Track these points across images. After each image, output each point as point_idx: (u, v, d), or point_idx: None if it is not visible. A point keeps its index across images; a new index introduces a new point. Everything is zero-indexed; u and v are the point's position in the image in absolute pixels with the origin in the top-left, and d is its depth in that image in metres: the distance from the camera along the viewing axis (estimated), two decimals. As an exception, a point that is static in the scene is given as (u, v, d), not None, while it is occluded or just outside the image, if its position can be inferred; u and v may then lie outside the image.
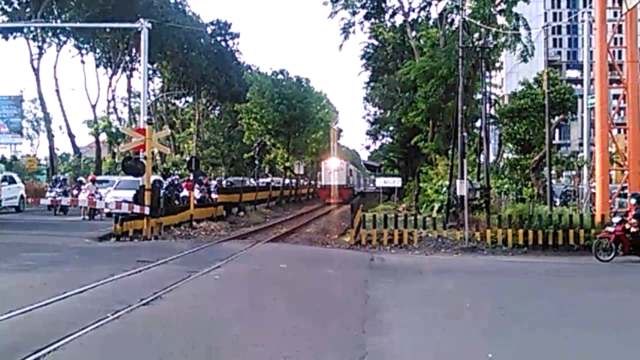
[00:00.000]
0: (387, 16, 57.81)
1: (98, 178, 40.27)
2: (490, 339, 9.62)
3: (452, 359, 8.79)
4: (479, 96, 36.86)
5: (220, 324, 10.40)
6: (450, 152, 32.17)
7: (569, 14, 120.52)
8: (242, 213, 38.89)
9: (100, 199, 32.59)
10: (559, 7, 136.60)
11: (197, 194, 32.49)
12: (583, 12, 39.35)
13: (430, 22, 52.68)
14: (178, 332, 9.73)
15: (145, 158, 26.02)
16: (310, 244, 23.52)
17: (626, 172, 26.23)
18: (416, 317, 11.28)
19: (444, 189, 31.11)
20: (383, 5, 56.24)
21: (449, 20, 48.14)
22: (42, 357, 8.04)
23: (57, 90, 63.49)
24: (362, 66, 71.58)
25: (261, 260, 18.81)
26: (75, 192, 36.88)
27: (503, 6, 40.67)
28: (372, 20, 58.42)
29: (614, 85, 27.64)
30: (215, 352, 8.78)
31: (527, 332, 10.09)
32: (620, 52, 29.25)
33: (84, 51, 67.86)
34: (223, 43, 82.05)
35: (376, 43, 66.08)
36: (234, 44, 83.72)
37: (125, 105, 76.77)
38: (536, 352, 9.03)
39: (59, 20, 60.90)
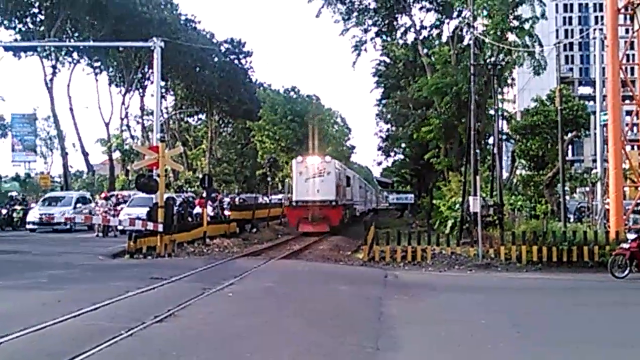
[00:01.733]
0: (398, 34, 58.07)
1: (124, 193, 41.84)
2: (505, 356, 9.56)
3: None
4: (492, 112, 36.80)
5: (234, 341, 10.37)
6: (463, 168, 32.13)
7: (581, 31, 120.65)
8: (254, 230, 38.86)
9: (113, 216, 32.75)
10: (570, 24, 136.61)
11: (210, 211, 32.48)
12: (595, 29, 39.27)
13: (442, 40, 52.81)
14: (192, 349, 9.72)
15: (158, 175, 26.12)
16: (324, 261, 23.43)
17: (640, 188, 26.09)
18: (430, 334, 11.23)
19: (457, 205, 31.02)
20: (395, 23, 56.51)
21: (461, 37, 48.26)
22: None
23: (71, 109, 64.28)
24: (374, 83, 71.88)
25: (275, 277, 18.78)
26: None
27: (516, 23, 40.72)
28: (384, 37, 58.66)
29: (627, 101, 27.59)
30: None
31: (542, 350, 10.01)
32: (632, 68, 29.27)
33: (97, 70, 68.41)
34: (236, 61, 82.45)
35: (387, 60, 66.26)
36: (246, 62, 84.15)
37: (138, 123, 77.45)
38: None
39: (72, 39, 61.48)
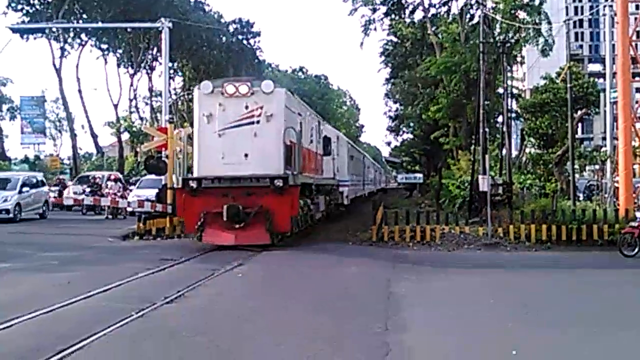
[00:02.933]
0: (407, 12, 57.73)
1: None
2: (514, 336, 9.54)
3: (476, 356, 8.73)
4: (501, 91, 36.69)
5: (243, 322, 10.39)
6: (472, 147, 32.08)
7: (591, 7, 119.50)
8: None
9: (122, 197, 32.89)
10: (580, 0, 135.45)
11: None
12: (604, 6, 38.97)
13: (450, 18, 52.55)
14: (202, 330, 9.76)
15: (167, 157, 26.16)
16: (332, 241, 23.44)
17: (650, 166, 26.00)
18: (439, 313, 11.22)
19: (466, 184, 31.01)
20: (403, 1, 56.18)
21: (469, 15, 48.03)
22: (66, 357, 8.09)
23: (80, 91, 64.25)
24: (381, 63, 71.68)
25: (283, 257, 18.80)
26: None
27: (526, 0, 40.50)
28: (392, 16, 58.38)
29: (637, 78, 27.44)
30: (238, 350, 8.80)
31: (552, 329, 9.98)
32: (643, 45, 28.96)
33: (105, 51, 68.34)
34: (244, 42, 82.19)
35: (395, 40, 66.01)
36: (255, 42, 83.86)
37: (146, 104, 77.28)
38: (561, 349, 8.95)
39: (80, 21, 61.39)
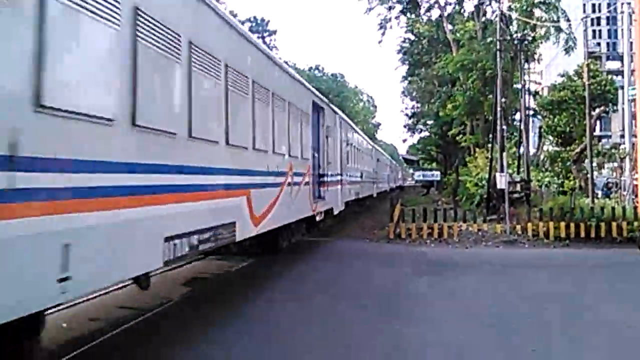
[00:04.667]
0: (422, 10, 57.67)
1: None
2: (533, 333, 9.53)
3: (495, 353, 8.73)
4: (519, 87, 36.62)
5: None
6: (489, 145, 32.01)
7: (608, 4, 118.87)
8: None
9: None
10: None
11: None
12: (622, 3, 38.81)
13: (466, 15, 52.45)
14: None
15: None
16: (349, 239, 23.46)
17: (669, 164, 25.87)
18: (457, 310, 11.23)
19: (484, 182, 30.95)
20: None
21: (486, 12, 47.96)
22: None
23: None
24: (398, 60, 71.56)
25: (301, 256, 18.86)
26: None
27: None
28: (408, 14, 58.34)
29: (656, 75, 27.29)
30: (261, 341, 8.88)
31: (572, 328, 9.97)
32: (662, 41, 28.80)
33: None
34: (260, 40, 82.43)
35: (412, 37, 65.96)
36: (271, 40, 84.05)
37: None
38: (581, 346, 8.93)
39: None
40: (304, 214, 17.58)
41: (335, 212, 23.09)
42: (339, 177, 23.68)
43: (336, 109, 25.35)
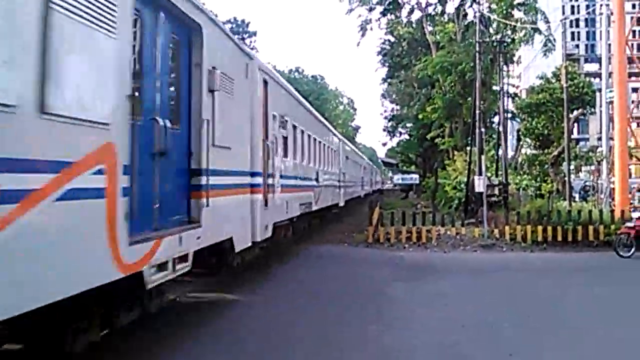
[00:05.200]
0: (404, 12, 57.74)
1: None
2: (510, 338, 9.49)
3: (475, 355, 8.66)
4: (497, 89, 36.73)
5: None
6: (468, 148, 32.05)
7: (587, 6, 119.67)
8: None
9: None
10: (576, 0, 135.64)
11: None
12: (601, 5, 39.08)
13: (446, 17, 52.55)
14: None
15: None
16: (327, 243, 23.36)
17: (646, 167, 26.03)
18: (435, 314, 11.21)
19: (462, 185, 30.99)
20: (400, 1, 56.18)
21: (467, 14, 48.07)
22: None
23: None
24: (378, 62, 71.58)
25: (278, 259, 18.73)
26: None
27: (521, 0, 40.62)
28: (389, 16, 58.38)
29: (633, 78, 27.47)
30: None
31: (547, 331, 9.93)
32: (639, 45, 28.96)
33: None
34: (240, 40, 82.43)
35: (392, 39, 66.03)
36: (251, 42, 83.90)
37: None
38: (555, 350, 8.87)
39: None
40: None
41: (239, 248, 12.02)
42: (258, 180, 13.47)
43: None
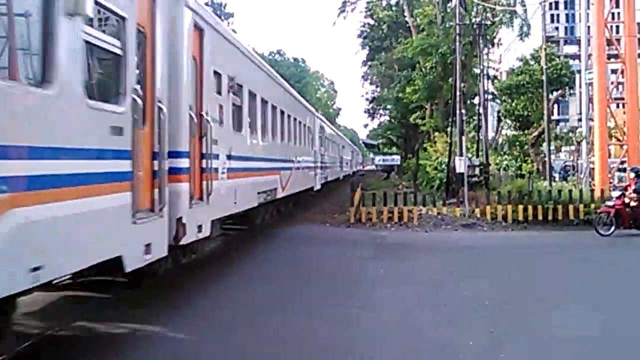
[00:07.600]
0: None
1: None
2: (491, 315, 9.58)
3: (451, 337, 8.66)
4: (478, 71, 36.81)
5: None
6: (449, 129, 32.17)
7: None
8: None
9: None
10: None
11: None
12: (580, -13, 39.24)
13: (427, -1, 52.51)
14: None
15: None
16: (309, 223, 23.38)
17: (625, 147, 26.27)
18: (414, 293, 11.26)
19: (443, 166, 31.13)
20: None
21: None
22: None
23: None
24: (359, 45, 71.43)
25: (260, 239, 18.75)
26: None
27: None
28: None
29: (612, 60, 27.61)
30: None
31: (530, 307, 10.04)
32: (618, 27, 29.12)
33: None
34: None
35: (372, 22, 65.90)
36: (228, 24, 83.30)
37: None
38: (539, 327, 8.97)
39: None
40: None
41: (134, 265, 7.65)
42: (180, 163, 9.50)
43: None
